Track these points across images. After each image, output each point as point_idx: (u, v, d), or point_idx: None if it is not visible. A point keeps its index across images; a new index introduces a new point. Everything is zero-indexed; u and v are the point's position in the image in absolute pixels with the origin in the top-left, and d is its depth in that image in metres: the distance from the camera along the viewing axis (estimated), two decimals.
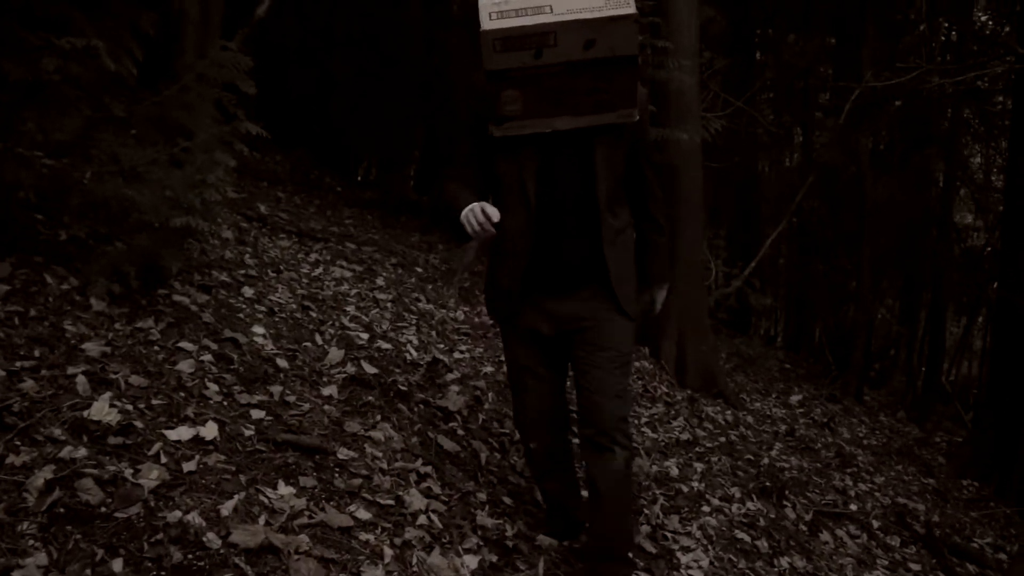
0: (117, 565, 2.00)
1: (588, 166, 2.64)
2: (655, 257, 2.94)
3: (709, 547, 3.62)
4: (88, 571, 1.95)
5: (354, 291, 5.20)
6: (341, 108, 12.30)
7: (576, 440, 3.10)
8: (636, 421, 4.97)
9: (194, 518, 2.26)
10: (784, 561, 3.82)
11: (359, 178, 13.38)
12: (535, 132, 2.59)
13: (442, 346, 4.77)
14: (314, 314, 4.33)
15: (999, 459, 7.37)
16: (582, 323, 2.72)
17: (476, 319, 5.75)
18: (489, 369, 4.66)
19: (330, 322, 4.31)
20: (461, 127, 2.87)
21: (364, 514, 2.64)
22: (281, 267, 5.00)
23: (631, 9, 2.36)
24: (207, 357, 3.23)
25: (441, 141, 10.18)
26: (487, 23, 2.34)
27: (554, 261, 2.67)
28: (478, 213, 2.46)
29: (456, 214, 2.57)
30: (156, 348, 3.13)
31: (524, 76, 2.45)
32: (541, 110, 2.54)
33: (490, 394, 4.24)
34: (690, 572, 3.34)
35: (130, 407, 2.65)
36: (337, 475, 2.83)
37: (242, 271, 4.47)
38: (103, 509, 2.18)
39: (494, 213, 2.46)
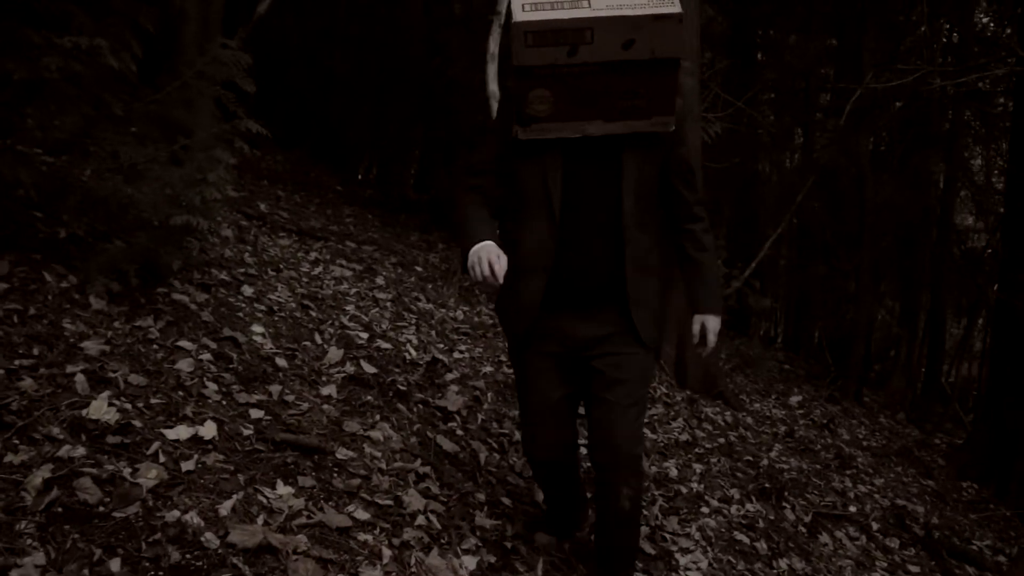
0: (115, 565, 1.99)
1: (615, 177, 2.45)
2: (699, 278, 2.64)
3: (708, 548, 3.62)
4: (86, 571, 1.95)
5: (354, 290, 5.20)
6: (341, 107, 12.30)
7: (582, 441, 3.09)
8: None
9: (192, 518, 2.25)
10: (783, 563, 3.81)
11: (359, 177, 13.38)
12: (563, 136, 2.41)
13: (442, 346, 4.76)
14: (313, 313, 4.33)
15: (999, 461, 7.37)
16: (598, 349, 2.53)
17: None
18: (488, 369, 4.65)
19: (329, 321, 4.31)
20: (489, 128, 2.68)
21: (363, 514, 2.64)
22: (281, 266, 5.00)
23: (676, 8, 2.19)
24: (206, 356, 3.22)
25: (445, 142, 10.15)
26: (519, 14, 2.18)
27: (575, 278, 2.48)
28: (485, 265, 2.29)
29: (465, 243, 2.40)
30: (155, 347, 3.12)
31: (556, 74, 2.26)
32: (572, 112, 2.35)
33: (489, 394, 4.24)
34: (689, 573, 3.33)
35: (129, 406, 2.64)
36: (336, 475, 2.82)
37: (242, 270, 4.46)
38: (101, 508, 2.17)
39: (501, 268, 2.29)
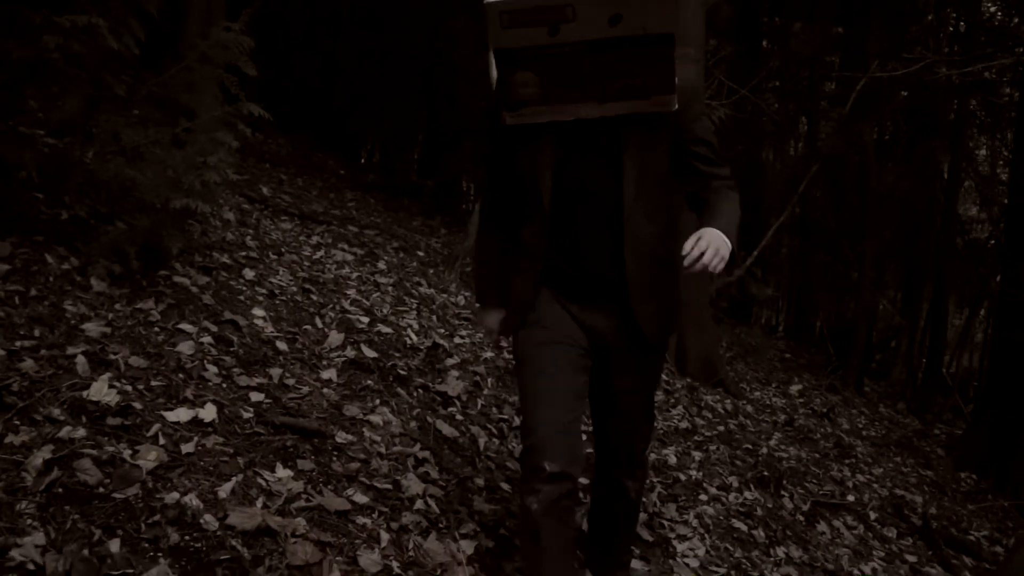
0: (114, 545, 2.01)
1: (615, 162, 2.21)
2: (710, 212, 2.26)
3: (706, 536, 3.63)
4: (85, 551, 1.96)
5: (355, 274, 5.20)
6: (345, 91, 12.29)
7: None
8: None
9: (192, 500, 2.26)
10: (780, 551, 3.82)
11: (362, 161, 13.38)
12: (554, 120, 2.19)
13: (442, 331, 4.77)
14: (315, 297, 4.33)
15: (998, 452, 7.38)
16: (602, 342, 2.35)
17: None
18: (489, 355, 4.66)
19: (331, 305, 4.31)
20: (486, 129, 2.47)
21: (361, 498, 2.65)
22: (282, 249, 5.00)
23: None
24: (207, 339, 3.23)
25: (448, 126, 10.13)
26: None
27: (572, 273, 2.31)
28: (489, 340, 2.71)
29: (477, 298, 2.66)
30: (156, 329, 3.13)
31: (539, 56, 2.06)
32: (562, 95, 2.14)
33: (489, 380, 4.24)
34: (686, 560, 3.35)
35: (129, 388, 2.65)
36: (335, 459, 2.83)
37: (243, 253, 4.46)
38: (101, 489, 2.18)
39: (503, 334, 2.55)
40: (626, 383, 2.40)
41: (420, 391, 3.74)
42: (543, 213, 2.27)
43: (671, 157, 2.28)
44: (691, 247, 2.06)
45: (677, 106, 2.16)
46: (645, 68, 2.08)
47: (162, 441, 2.48)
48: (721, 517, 3.89)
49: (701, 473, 4.35)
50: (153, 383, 2.75)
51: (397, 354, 4.01)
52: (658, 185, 2.28)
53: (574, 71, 2.10)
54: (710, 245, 2.06)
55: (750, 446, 5.28)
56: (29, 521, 1.99)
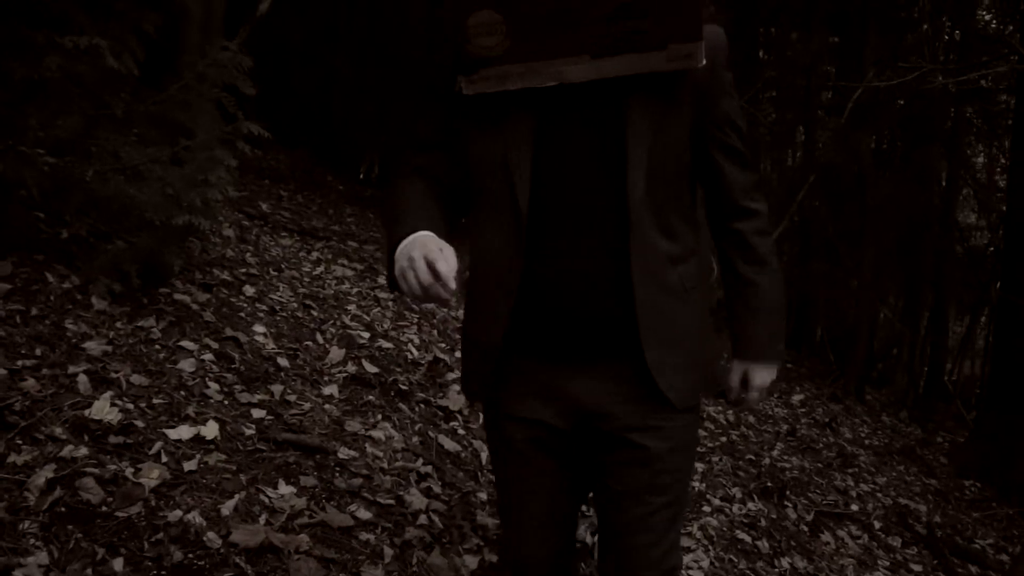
0: (118, 564, 2.00)
1: (617, 146, 1.52)
2: (747, 307, 1.71)
3: (710, 547, 3.62)
4: (89, 570, 1.96)
5: (355, 290, 5.20)
6: (343, 106, 12.30)
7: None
8: None
9: (194, 517, 2.26)
10: (785, 562, 3.82)
11: (361, 176, 13.38)
12: (529, 87, 1.52)
13: (443, 345, 4.77)
14: (315, 313, 4.33)
15: (1001, 459, 7.36)
16: (607, 424, 1.63)
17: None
18: None
19: (331, 321, 4.31)
20: (424, 88, 1.78)
21: (364, 514, 2.64)
22: (282, 265, 5.00)
23: None
24: (208, 356, 3.23)
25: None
26: None
27: (557, 306, 1.57)
28: (421, 266, 1.40)
29: (391, 240, 1.58)
30: (157, 347, 3.13)
31: None
32: (539, 48, 1.48)
33: None
34: (690, 572, 3.34)
35: (131, 406, 2.65)
36: (337, 475, 2.83)
37: (243, 270, 4.47)
38: (104, 508, 2.18)
39: (448, 264, 1.39)
40: (638, 478, 1.64)
41: (422, 406, 3.74)
42: (518, 221, 1.56)
43: (692, 144, 1.61)
44: (735, 395, 1.74)
45: (705, 62, 1.49)
46: (656, 5, 1.44)
47: (164, 459, 2.47)
48: (725, 528, 3.89)
49: (704, 485, 4.35)
50: (155, 401, 2.75)
51: (398, 369, 4.01)
52: (676, 179, 1.60)
53: (555, 9, 1.46)
54: (760, 393, 1.73)
55: (753, 457, 5.27)
56: (32, 541, 1.99)
